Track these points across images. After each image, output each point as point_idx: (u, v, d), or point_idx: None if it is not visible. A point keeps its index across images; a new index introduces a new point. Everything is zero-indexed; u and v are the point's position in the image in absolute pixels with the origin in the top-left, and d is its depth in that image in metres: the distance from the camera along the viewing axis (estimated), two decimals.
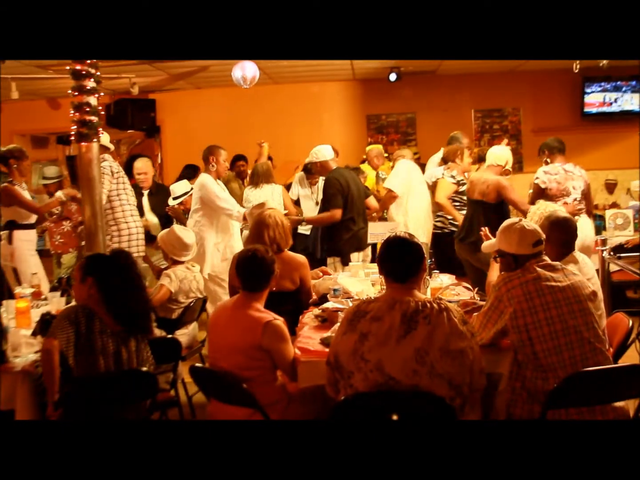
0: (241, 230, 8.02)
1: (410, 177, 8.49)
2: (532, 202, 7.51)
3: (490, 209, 6.98)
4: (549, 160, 7.59)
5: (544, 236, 4.01)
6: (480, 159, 8.88)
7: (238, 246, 7.48)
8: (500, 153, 7.27)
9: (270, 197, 8.45)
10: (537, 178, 7.54)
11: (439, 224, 8.54)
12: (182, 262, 6.23)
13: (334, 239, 7.52)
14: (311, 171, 9.16)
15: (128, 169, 10.05)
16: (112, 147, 7.49)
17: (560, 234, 4.57)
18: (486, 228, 5.25)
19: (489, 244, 4.57)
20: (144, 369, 4.04)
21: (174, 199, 8.40)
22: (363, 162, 10.76)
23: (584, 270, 4.46)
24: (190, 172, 9.66)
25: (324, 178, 7.92)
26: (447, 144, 8.89)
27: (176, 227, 6.42)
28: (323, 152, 7.66)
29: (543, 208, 5.21)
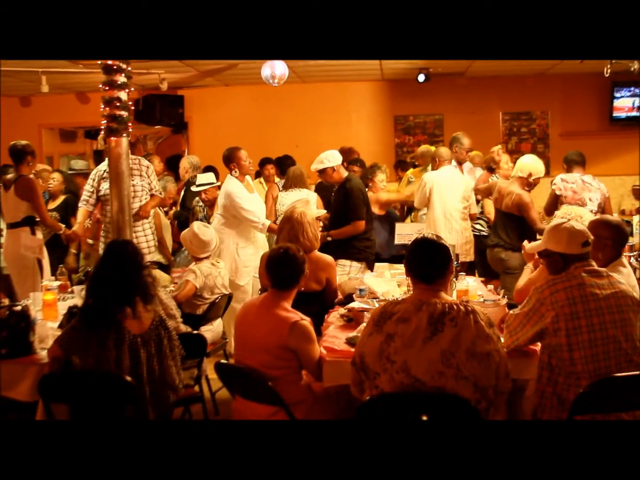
0: None
1: (429, 191, 8.17)
2: (548, 208, 7.55)
3: (513, 220, 7.05)
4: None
5: (592, 238, 3.96)
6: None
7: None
8: (524, 164, 7.17)
9: (312, 201, 8.37)
10: (554, 184, 7.53)
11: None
12: (204, 259, 6.26)
13: (354, 247, 7.30)
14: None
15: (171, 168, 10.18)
16: None
17: (620, 236, 4.54)
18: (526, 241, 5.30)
19: (534, 245, 4.52)
20: (128, 378, 3.94)
21: (197, 186, 8.39)
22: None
23: (630, 276, 4.43)
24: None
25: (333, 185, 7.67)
26: (449, 145, 8.81)
27: (195, 225, 6.43)
28: (335, 157, 7.34)
29: (569, 212, 5.19)
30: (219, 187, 8.21)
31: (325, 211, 7.54)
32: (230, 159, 7.41)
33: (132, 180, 7.09)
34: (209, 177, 8.43)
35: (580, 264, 3.83)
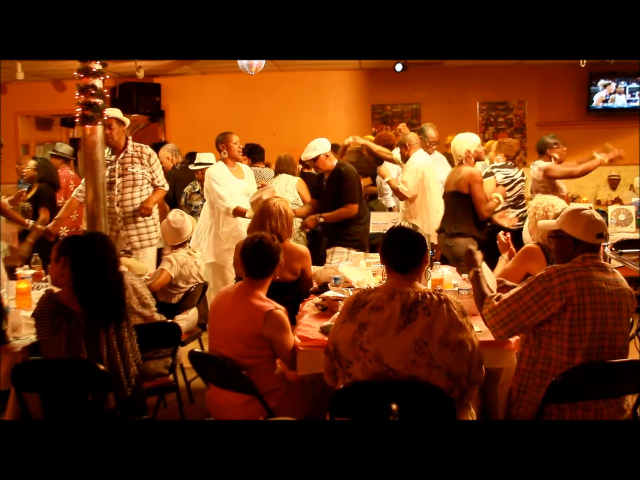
0: None
1: (423, 176, 7.86)
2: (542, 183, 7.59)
3: (465, 199, 6.99)
4: (556, 155, 7.57)
5: (607, 232, 3.92)
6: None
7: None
8: (455, 146, 7.20)
9: (283, 187, 8.33)
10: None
11: None
12: (180, 247, 6.26)
13: (351, 232, 7.28)
14: (306, 164, 8.91)
15: None
16: (127, 121, 7.24)
17: None
18: (508, 235, 5.31)
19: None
20: (102, 367, 3.86)
21: (195, 164, 8.47)
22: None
23: None
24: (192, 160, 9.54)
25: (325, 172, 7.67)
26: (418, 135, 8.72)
27: (171, 213, 6.41)
28: (325, 145, 7.36)
29: (546, 201, 5.18)
30: None
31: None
32: (221, 141, 7.48)
33: (132, 168, 7.04)
34: (209, 157, 8.43)
35: (589, 255, 3.76)
